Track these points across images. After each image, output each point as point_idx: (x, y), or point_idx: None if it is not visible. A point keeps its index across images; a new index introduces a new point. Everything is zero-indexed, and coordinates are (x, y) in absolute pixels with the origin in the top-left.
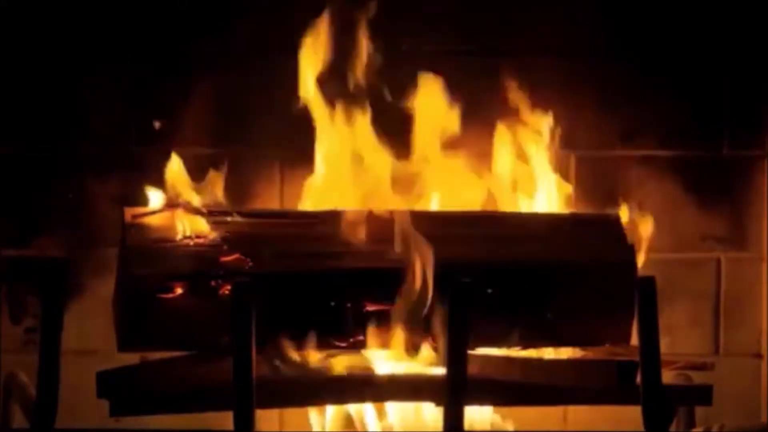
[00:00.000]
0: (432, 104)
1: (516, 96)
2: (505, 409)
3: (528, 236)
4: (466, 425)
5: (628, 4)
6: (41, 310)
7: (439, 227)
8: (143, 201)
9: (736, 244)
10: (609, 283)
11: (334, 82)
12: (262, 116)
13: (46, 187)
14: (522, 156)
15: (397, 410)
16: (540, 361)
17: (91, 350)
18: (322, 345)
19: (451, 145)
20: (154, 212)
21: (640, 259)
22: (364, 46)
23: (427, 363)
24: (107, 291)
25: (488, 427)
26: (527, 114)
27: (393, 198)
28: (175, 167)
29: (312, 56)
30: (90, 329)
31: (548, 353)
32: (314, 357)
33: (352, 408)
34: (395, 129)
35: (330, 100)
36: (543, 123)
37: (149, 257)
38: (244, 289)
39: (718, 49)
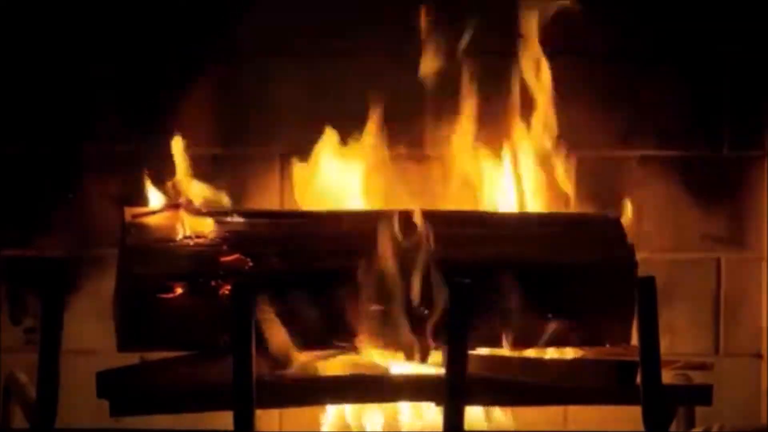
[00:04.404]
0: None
1: (516, 96)
2: (505, 410)
3: (528, 236)
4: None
5: (628, 4)
6: (41, 310)
7: (439, 227)
8: (143, 201)
9: (736, 244)
10: (609, 283)
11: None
12: (262, 116)
13: (46, 187)
14: (523, 157)
15: (397, 410)
16: (540, 361)
17: (91, 350)
18: (322, 345)
19: (451, 145)
20: (154, 212)
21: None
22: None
23: (428, 363)
24: (107, 291)
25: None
26: (528, 114)
27: (394, 198)
28: (179, 166)
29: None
30: (90, 329)
31: (548, 353)
32: (314, 357)
33: (352, 408)
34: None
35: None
36: (544, 123)
37: (149, 257)
38: (244, 289)
39: (718, 49)
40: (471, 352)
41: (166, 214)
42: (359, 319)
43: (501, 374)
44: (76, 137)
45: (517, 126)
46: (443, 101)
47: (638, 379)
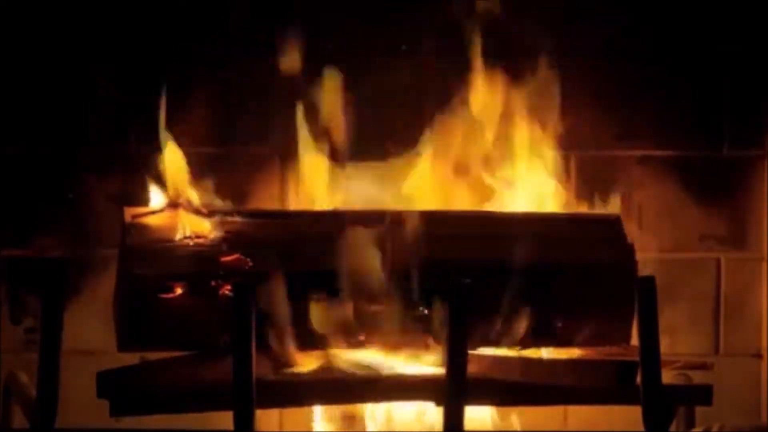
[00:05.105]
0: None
1: (516, 97)
2: (505, 409)
3: (528, 236)
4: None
5: (628, 4)
6: (41, 310)
7: (439, 227)
8: (143, 201)
9: (736, 244)
10: (609, 283)
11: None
12: (261, 116)
13: (46, 187)
14: (522, 157)
15: (397, 410)
16: (540, 361)
17: (91, 350)
18: (322, 345)
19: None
20: (154, 212)
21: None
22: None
23: (427, 363)
24: (107, 291)
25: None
26: (527, 114)
27: (393, 198)
28: (176, 166)
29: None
30: (90, 329)
31: (548, 353)
32: (314, 357)
33: (352, 408)
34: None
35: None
36: (543, 123)
37: (149, 257)
38: (244, 289)
39: (718, 49)
40: (471, 352)
41: (166, 214)
42: (359, 319)
43: (501, 374)
44: (76, 137)
45: (517, 126)
46: (442, 101)
47: (638, 379)
